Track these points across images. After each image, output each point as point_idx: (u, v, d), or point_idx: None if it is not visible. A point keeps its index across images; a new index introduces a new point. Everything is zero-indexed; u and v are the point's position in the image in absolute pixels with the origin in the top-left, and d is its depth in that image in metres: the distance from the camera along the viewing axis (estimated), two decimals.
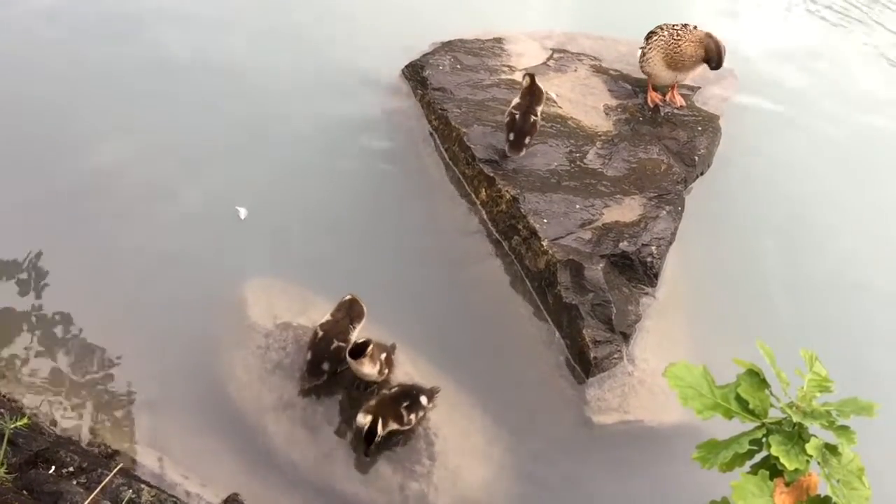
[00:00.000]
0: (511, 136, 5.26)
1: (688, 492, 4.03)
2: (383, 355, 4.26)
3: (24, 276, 4.68)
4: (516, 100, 5.28)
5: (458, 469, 4.22)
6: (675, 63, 5.66)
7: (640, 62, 5.88)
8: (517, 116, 5.22)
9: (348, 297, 4.45)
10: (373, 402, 4.09)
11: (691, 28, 5.66)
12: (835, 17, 7.47)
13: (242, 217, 4.89)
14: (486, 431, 4.42)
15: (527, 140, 5.26)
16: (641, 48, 5.88)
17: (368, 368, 4.19)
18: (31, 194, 5.04)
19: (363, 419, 4.04)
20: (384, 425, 4.05)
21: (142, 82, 5.83)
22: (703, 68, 5.72)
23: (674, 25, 5.71)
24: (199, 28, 6.29)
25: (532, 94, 5.27)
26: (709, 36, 5.58)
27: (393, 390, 4.18)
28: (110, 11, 6.34)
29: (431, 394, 4.27)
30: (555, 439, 4.43)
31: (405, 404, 4.14)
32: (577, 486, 4.29)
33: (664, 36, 5.66)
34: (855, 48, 7.20)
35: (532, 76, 5.31)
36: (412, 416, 4.16)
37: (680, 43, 5.59)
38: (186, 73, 5.94)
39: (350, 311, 4.40)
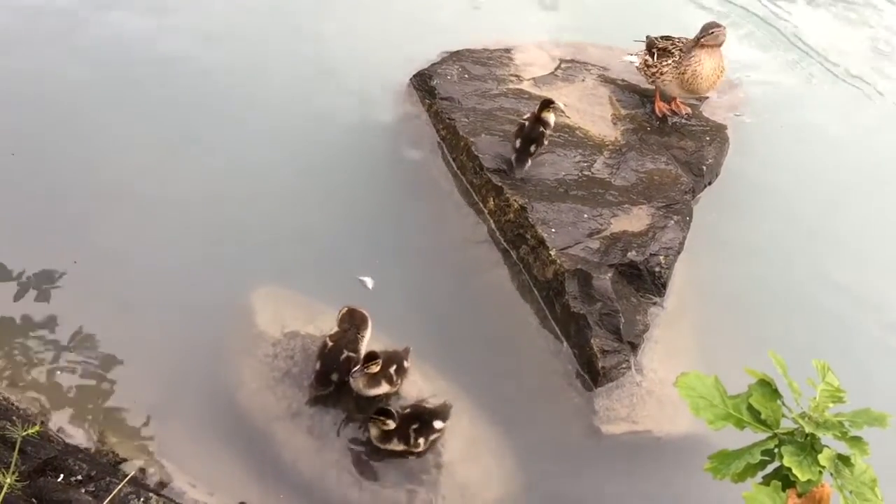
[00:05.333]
0: (518, 144, 5.31)
1: (698, 502, 4.03)
2: (392, 367, 4.25)
3: (31, 284, 4.68)
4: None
5: (465, 479, 4.21)
6: (694, 89, 5.73)
7: (648, 75, 5.86)
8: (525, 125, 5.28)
9: (345, 308, 4.44)
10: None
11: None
12: (842, 23, 7.46)
13: (370, 287, 4.85)
14: (494, 441, 4.41)
15: (532, 148, 5.30)
16: (642, 58, 5.89)
17: (362, 384, 4.20)
18: (36, 200, 5.05)
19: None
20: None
21: (144, 86, 5.83)
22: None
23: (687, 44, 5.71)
24: (207, 38, 6.30)
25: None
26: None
27: (406, 411, 4.13)
28: (116, 13, 6.36)
29: (444, 415, 4.19)
30: (563, 449, 4.42)
31: (414, 427, 4.10)
32: (586, 496, 4.27)
33: (683, 60, 5.63)
34: (864, 56, 7.19)
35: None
36: (420, 440, 4.12)
37: (699, 70, 5.61)
38: (190, 81, 5.94)
39: (353, 321, 4.40)
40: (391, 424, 4.03)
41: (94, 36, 6.15)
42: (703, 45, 5.59)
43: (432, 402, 4.24)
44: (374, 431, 4.10)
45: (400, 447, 4.11)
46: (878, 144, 6.38)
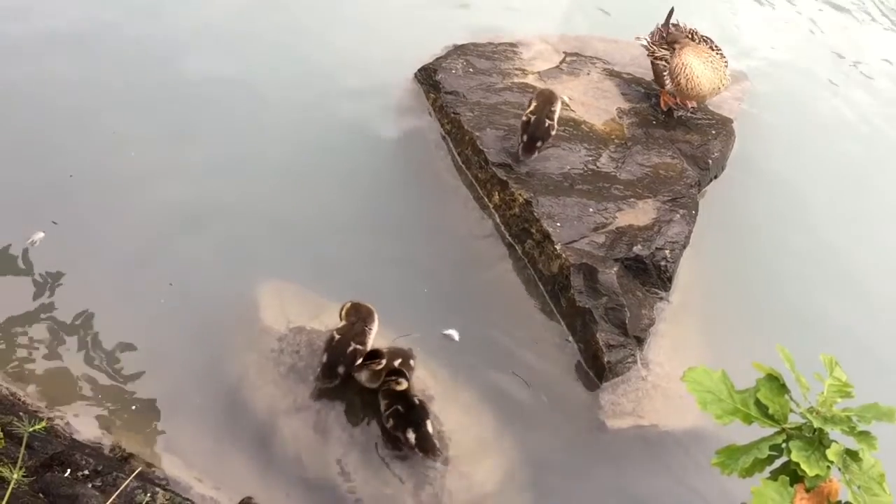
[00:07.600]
0: (524, 138, 5.27)
1: (705, 497, 4.02)
2: (397, 361, 4.26)
3: (39, 280, 4.68)
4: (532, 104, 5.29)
5: (470, 473, 4.21)
6: (697, 95, 5.69)
7: (663, 67, 5.78)
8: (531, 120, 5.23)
9: (348, 303, 4.43)
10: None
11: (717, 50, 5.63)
12: (851, 19, 7.44)
13: (456, 339, 4.72)
14: (499, 436, 4.41)
15: (539, 144, 5.27)
16: (651, 49, 5.86)
17: (365, 378, 4.24)
18: (39, 199, 5.04)
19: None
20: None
21: (146, 86, 5.82)
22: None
23: (711, 47, 5.64)
24: (206, 36, 6.29)
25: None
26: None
27: (399, 390, 4.15)
28: (123, 30, 6.35)
29: (422, 445, 4.10)
30: (569, 443, 4.42)
31: (386, 403, 4.13)
32: (591, 491, 4.27)
33: (710, 61, 5.55)
34: (872, 51, 7.16)
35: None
36: (390, 426, 4.14)
37: (691, 75, 5.56)
38: (193, 78, 5.93)
39: (359, 314, 4.39)
40: (403, 384, 4.10)
41: (93, 37, 6.13)
42: (679, 48, 5.55)
43: (434, 430, 4.18)
44: (381, 388, 4.18)
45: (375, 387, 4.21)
46: (887, 138, 6.36)
